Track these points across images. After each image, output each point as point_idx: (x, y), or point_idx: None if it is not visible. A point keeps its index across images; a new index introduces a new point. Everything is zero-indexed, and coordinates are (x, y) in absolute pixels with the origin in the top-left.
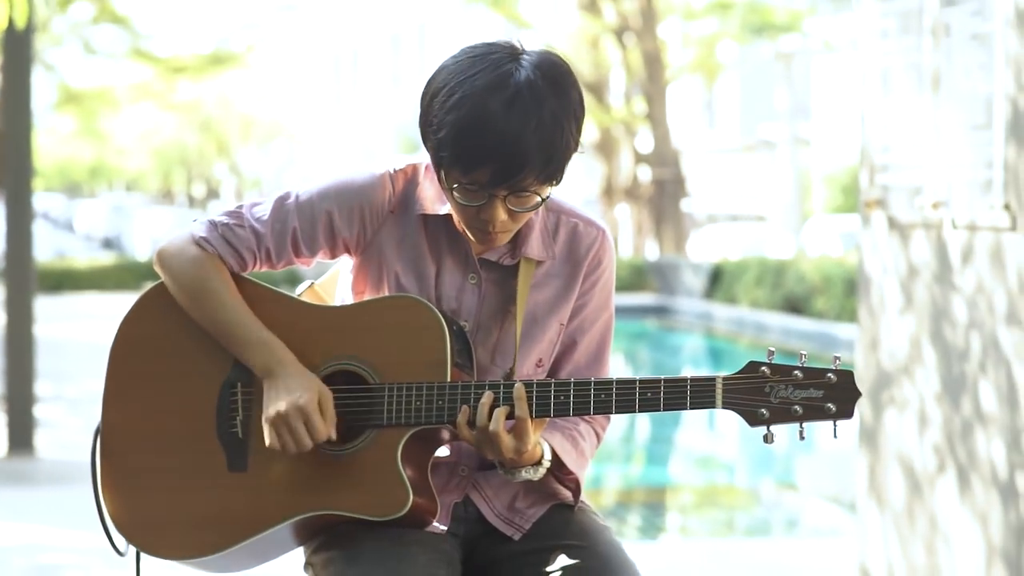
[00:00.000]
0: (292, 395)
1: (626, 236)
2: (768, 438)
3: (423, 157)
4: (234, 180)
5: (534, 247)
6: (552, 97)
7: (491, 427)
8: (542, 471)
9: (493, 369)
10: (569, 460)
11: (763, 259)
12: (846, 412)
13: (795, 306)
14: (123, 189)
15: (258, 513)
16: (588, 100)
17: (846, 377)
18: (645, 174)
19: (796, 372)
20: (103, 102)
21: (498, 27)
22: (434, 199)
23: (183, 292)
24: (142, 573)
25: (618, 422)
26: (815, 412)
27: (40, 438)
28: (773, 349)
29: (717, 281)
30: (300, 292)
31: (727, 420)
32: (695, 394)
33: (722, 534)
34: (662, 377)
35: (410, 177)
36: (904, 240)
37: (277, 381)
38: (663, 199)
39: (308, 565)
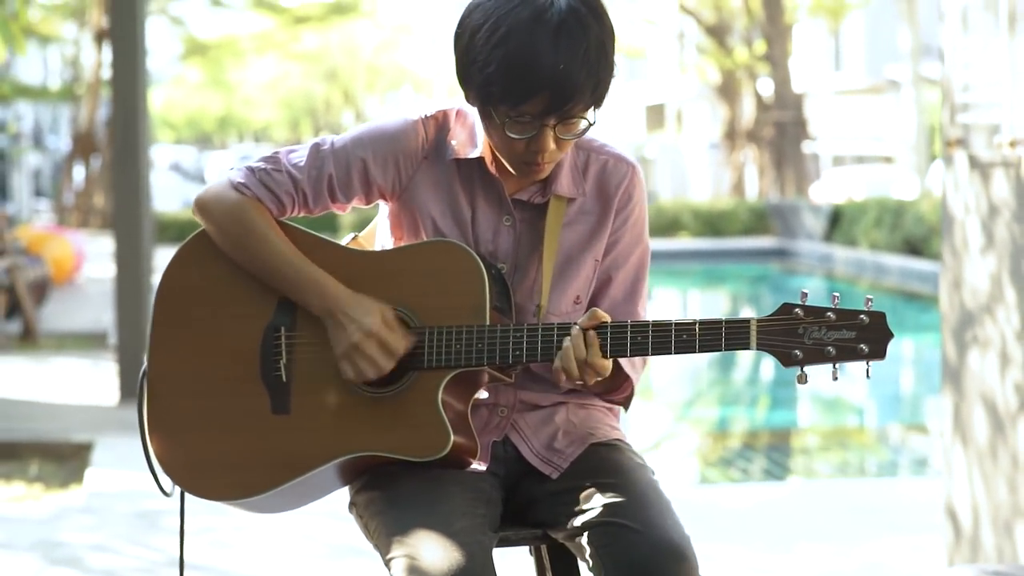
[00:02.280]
0: (358, 323)
1: (751, 179)
2: (802, 378)
3: (456, 103)
4: None
5: (564, 184)
6: (595, 23)
7: (590, 358)
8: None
9: (531, 308)
10: (627, 367)
11: (883, 200)
12: (879, 353)
13: (914, 247)
14: (252, 140)
15: (301, 455)
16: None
17: (879, 318)
18: (767, 117)
19: (829, 314)
20: (229, 52)
21: None
22: (466, 143)
23: (227, 237)
24: (187, 513)
25: (745, 364)
26: (848, 353)
27: None
28: (807, 291)
29: (837, 223)
30: (344, 244)
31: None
32: (730, 336)
33: (850, 475)
34: (697, 319)
35: (441, 123)
36: (984, 179)
37: (336, 315)
38: (784, 142)
39: (352, 505)
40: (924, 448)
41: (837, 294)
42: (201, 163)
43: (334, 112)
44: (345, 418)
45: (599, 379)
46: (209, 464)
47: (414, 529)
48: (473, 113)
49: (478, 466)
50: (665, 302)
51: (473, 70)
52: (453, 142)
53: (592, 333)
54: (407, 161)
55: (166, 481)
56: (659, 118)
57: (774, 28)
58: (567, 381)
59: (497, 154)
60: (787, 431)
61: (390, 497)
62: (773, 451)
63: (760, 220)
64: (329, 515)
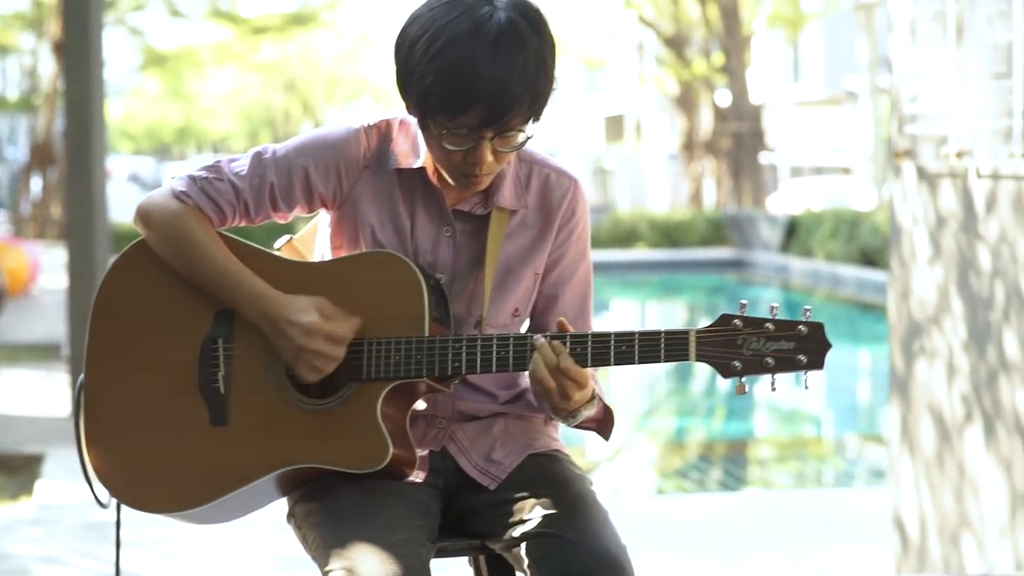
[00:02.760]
0: (297, 325)
1: (709, 190)
2: (741, 389)
3: (399, 113)
4: None
5: (506, 196)
6: (533, 36)
7: (562, 364)
8: (595, 405)
9: (469, 320)
10: (600, 394)
11: (839, 211)
12: (817, 363)
13: (870, 258)
14: (211, 150)
15: (239, 467)
16: (668, 55)
17: (817, 329)
18: (725, 128)
19: (768, 324)
20: (187, 63)
21: None
22: (408, 153)
23: (166, 245)
24: (137, 525)
25: (702, 374)
26: (787, 364)
27: None
28: (745, 302)
29: (793, 234)
30: (279, 246)
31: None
32: (669, 347)
33: (806, 486)
34: (636, 331)
35: (384, 132)
36: (932, 190)
37: (276, 321)
38: (742, 153)
39: (291, 516)
40: (879, 458)
41: (775, 305)
42: (160, 174)
43: (293, 123)
44: (284, 430)
45: (581, 394)
46: (147, 476)
47: (352, 541)
48: (416, 123)
49: (416, 477)
50: (622, 313)
51: (412, 81)
52: (395, 152)
53: (557, 343)
54: (348, 170)
55: (103, 493)
56: (618, 129)
57: (732, 40)
58: (553, 398)
59: (438, 166)
60: (743, 441)
61: (328, 509)
62: (729, 462)
63: (717, 231)
64: (276, 526)
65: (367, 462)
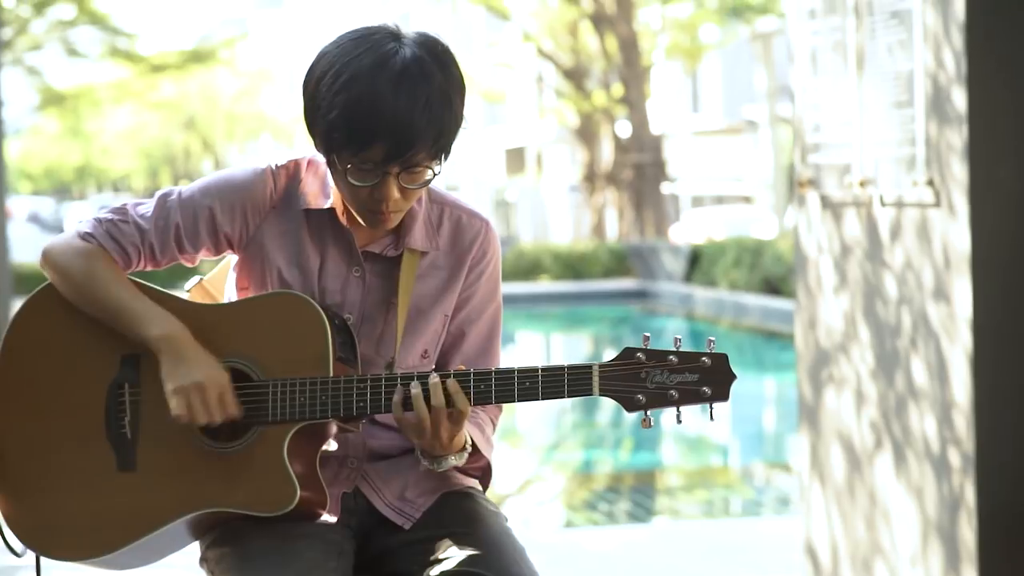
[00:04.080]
0: (204, 369)
1: (611, 221)
2: (647, 423)
3: (308, 153)
4: None
5: (418, 238)
6: (439, 72)
7: (435, 403)
8: (466, 456)
9: (378, 361)
10: (481, 446)
11: (741, 240)
12: (721, 395)
13: (774, 286)
14: (111, 189)
15: (148, 512)
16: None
17: (721, 360)
18: (626, 159)
19: (671, 357)
20: (86, 102)
21: (478, 17)
22: (317, 193)
23: (72, 283)
24: (43, 573)
25: (608, 407)
26: (691, 396)
27: None
28: (648, 335)
29: (696, 264)
30: (189, 288)
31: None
32: (572, 382)
33: (714, 515)
34: (539, 366)
35: (292, 173)
36: (836, 219)
37: (183, 350)
38: (643, 184)
39: (203, 560)
40: (787, 486)
41: (679, 337)
42: (60, 213)
43: (194, 161)
44: (191, 474)
45: (453, 439)
46: (58, 525)
47: None
48: (324, 162)
49: (329, 518)
50: (527, 345)
51: (317, 116)
52: (304, 192)
53: (453, 380)
54: (254, 210)
55: (15, 543)
56: (519, 161)
57: (631, 71)
58: (424, 434)
59: (345, 203)
60: (651, 472)
61: (241, 553)
62: (637, 492)
63: (620, 262)
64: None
65: (275, 505)
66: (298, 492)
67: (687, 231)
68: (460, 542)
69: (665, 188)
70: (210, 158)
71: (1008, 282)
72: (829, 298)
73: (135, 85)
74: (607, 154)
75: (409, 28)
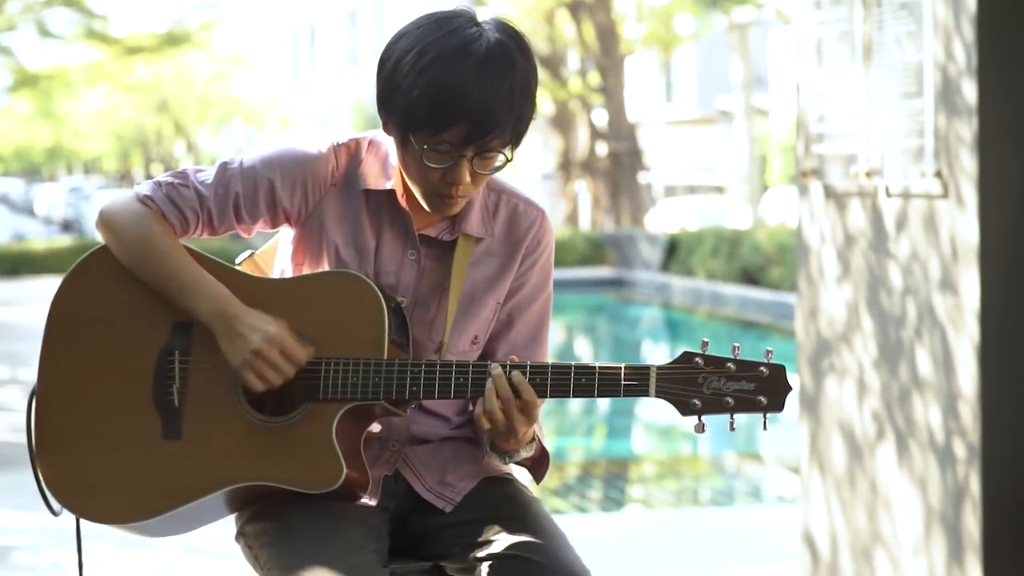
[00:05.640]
0: (259, 330)
1: (584, 210)
2: (699, 428)
3: (370, 134)
4: (192, 160)
5: (474, 224)
6: (521, 60)
7: (525, 396)
8: (533, 447)
9: (429, 345)
10: (539, 434)
11: (719, 230)
12: (777, 405)
13: (751, 277)
14: (82, 172)
15: (191, 481)
16: (543, 75)
17: (778, 371)
18: (601, 148)
19: (729, 364)
20: (59, 84)
21: (454, 2)
22: (377, 174)
23: (127, 247)
24: (83, 548)
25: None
26: (746, 404)
27: None
28: (707, 340)
29: (674, 253)
30: (240, 261)
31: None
32: (629, 382)
33: (684, 504)
34: (596, 364)
35: (353, 152)
36: (840, 209)
37: (234, 323)
38: (619, 172)
39: (240, 535)
40: (757, 476)
41: (738, 345)
42: (30, 195)
43: (165, 144)
44: (237, 446)
45: (526, 432)
46: (97, 487)
47: (310, 563)
48: (387, 144)
49: (369, 500)
50: None
51: (397, 95)
52: (364, 172)
53: (518, 373)
54: (315, 186)
55: (54, 502)
56: None
57: (608, 59)
58: (499, 433)
59: (410, 186)
60: (625, 461)
61: (282, 529)
62: (609, 481)
63: (596, 250)
64: (188, 551)
65: (320, 483)
66: (344, 471)
67: (660, 220)
68: (508, 527)
69: (641, 177)
70: (182, 141)
71: (1016, 274)
72: (831, 288)
73: (109, 67)
74: (583, 142)
75: (413, 13)
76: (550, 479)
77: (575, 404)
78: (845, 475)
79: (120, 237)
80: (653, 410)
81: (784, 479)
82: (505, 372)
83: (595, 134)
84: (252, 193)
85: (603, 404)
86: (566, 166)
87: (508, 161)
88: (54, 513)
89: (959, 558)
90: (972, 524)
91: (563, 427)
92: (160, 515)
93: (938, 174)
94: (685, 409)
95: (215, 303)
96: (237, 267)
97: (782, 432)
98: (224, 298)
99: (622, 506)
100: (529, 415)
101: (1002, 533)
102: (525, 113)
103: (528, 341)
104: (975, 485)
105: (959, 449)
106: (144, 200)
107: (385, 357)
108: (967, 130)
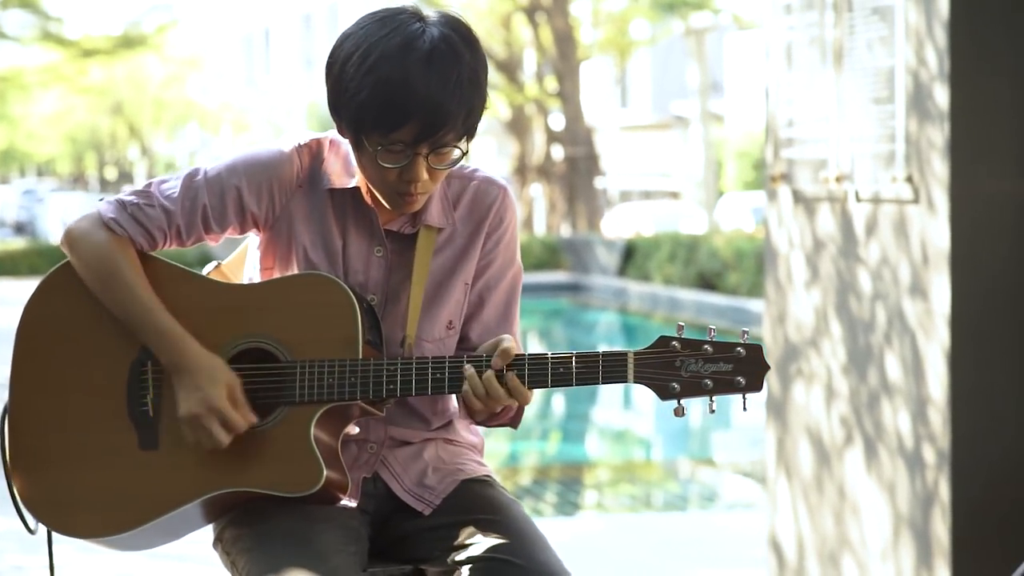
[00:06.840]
0: (201, 393)
1: (540, 214)
2: (679, 411)
3: (329, 133)
4: (146, 163)
5: (434, 215)
6: (467, 52)
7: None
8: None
9: (400, 338)
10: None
11: (676, 235)
12: (755, 385)
13: (708, 282)
14: (35, 174)
15: (170, 491)
16: (500, 79)
17: (755, 351)
18: (558, 152)
19: (706, 346)
20: (13, 86)
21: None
22: (340, 173)
23: (91, 275)
24: (54, 552)
25: (536, 398)
26: (725, 385)
27: None
28: (683, 324)
29: (630, 258)
30: (207, 272)
31: (642, 396)
32: (607, 369)
33: (639, 509)
34: (573, 352)
35: (315, 152)
36: (809, 214)
37: (184, 377)
38: (576, 177)
39: (218, 541)
40: (712, 482)
41: (714, 328)
42: None
43: (120, 146)
44: (214, 454)
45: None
46: (74, 501)
47: (287, 568)
48: (347, 143)
49: (349, 502)
50: None
51: (345, 98)
52: (328, 171)
53: (495, 384)
54: (281, 189)
55: (30, 519)
56: None
57: (565, 64)
58: (479, 416)
59: (371, 187)
60: (580, 465)
61: (260, 534)
62: (563, 485)
63: (553, 255)
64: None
65: (300, 486)
66: (324, 472)
67: (615, 225)
68: (485, 529)
69: (597, 182)
70: (137, 144)
71: (986, 279)
72: (800, 293)
73: (65, 69)
74: (539, 147)
75: (420, 10)
76: (505, 483)
77: (529, 408)
78: (812, 480)
79: (85, 263)
80: (608, 414)
81: (738, 484)
82: (482, 369)
83: (551, 138)
84: (220, 203)
85: (558, 408)
86: (522, 170)
87: (464, 154)
88: (30, 531)
89: (928, 563)
90: (941, 529)
91: (518, 431)
92: (138, 527)
93: (909, 179)
94: (664, 393)
95: (169, 356)
96: (207, 276)
97: (736, 437)
98: (178, 350)
99: (578, 510)
100: (512, 399)
101: (971, 538)
102: (476, 105)
103: (500, 319)
104: (944, 490)
105: (928, 454)
106: (109, 224)
107: (360, 357)
108: (939, 135)
